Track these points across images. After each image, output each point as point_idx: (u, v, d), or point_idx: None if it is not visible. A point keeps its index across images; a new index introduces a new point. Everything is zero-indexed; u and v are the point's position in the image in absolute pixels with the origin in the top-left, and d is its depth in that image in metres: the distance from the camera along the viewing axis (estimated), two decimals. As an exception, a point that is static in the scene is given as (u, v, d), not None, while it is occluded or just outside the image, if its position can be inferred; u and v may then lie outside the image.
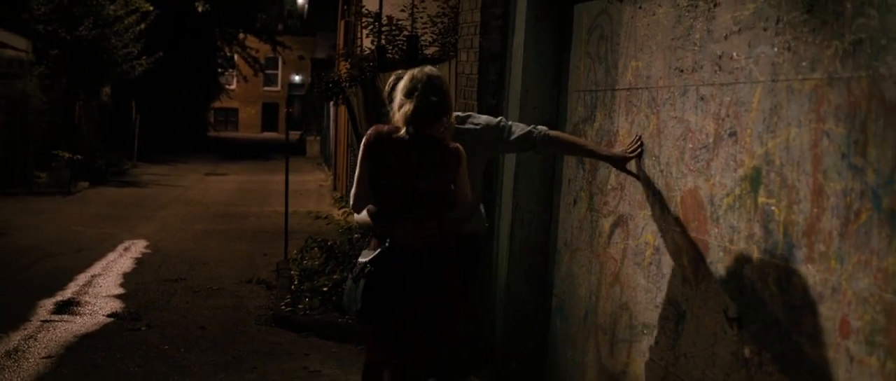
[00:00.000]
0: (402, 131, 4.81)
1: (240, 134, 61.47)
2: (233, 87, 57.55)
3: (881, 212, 3.23)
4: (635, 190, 5.34)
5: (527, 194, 6.76)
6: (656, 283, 5.03)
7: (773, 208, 3.93)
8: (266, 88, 64.14)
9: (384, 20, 12.97)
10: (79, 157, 21.96)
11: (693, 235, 4.65)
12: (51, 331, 8.76)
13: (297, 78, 63.75)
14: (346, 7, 21.40)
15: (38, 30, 22.77)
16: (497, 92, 7.20)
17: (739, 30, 4.28)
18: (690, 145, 4.69)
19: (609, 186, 5.70)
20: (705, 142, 4.55)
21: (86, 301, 10.12)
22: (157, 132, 36.62)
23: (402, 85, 4.92)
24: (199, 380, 7.51)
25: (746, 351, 4.12)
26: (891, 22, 3.21)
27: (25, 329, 8.78)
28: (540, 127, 5.45)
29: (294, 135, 46.15)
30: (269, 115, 65.31)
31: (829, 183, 3.54)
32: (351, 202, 5.03)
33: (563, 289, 6.39)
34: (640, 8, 5.39)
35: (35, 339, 8.44)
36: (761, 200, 4.03)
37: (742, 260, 4.18)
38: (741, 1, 4.28)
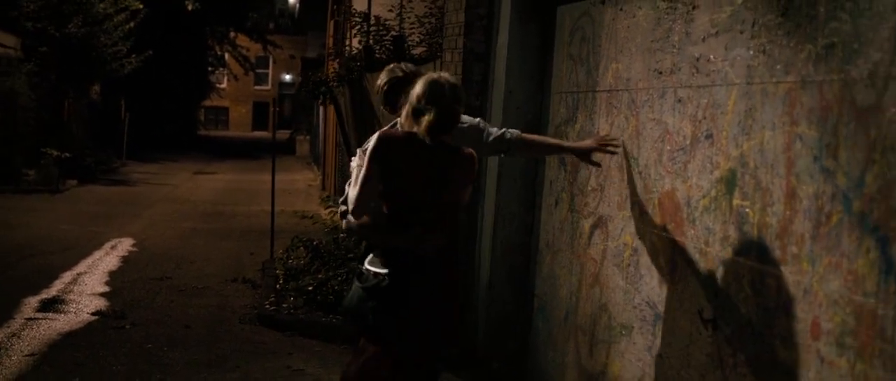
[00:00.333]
0: (424, 139, 4.61)
1: (230, 133, 61.42)
2: (223, 86, 57.52)
3: (851, 215, 3.26)
4: (614, 192, 5.36)
5: (509, 196, 6.78)
6: (634, 284, 5.05)
7: (747, 210, 3.96)
8: (257, 87, 64.11)
9: (372, 20, 12.99)
10: (67, 155, 21.93)
11: (670, 236, 4.67)
12: (35, 329, 8.75)
13: (287, 77, 63.74)
14: (335, 7, 21.41)
15: (26, 27, 22.74)
16: (481, 93, 7.22)
17: (717, 32, 4.30)
18: (668, 147, 4.72)
19: (589, 188, 5.72)
20: (683, 144, 4.57)
21: (71, 299, 10.11)
22: (147, 130, 36.58)
23: (421, 90, 4.64)
24: (182, 379, 7.50)
25: (721, 352, 4.14)
26: (862, 26, 3.23)
27: (9, 327, 8.76)
28: (512, 130, 5.40)
29: (283, 134, 46.16)
30: (259, 114, 65.24)
31: (801, 186, 3.57)
32: (351, 206, 4.77)
33: (545, 290, 6.41)
34: (620, 10, 5.42)
35: (18, 337, 8.43)
36: (736, 202, 4.05)
37: (717, 262, 4.20)
38: (719, 4, 4.31)
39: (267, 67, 63.90)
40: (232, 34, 47.96)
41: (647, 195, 4.95)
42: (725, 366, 4.10)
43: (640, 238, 5.02)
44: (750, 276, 3.92)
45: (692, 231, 4.44)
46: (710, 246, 4.27)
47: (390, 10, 12.51)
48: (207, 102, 54.37)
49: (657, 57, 4.90)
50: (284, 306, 9.68)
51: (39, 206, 18.54)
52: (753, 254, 3.90)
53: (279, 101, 60.42)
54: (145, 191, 22.63)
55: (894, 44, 3.05)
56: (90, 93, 28.55)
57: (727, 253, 4.12)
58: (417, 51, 10.99)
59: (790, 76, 3.67)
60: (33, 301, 9.90)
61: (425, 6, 11.22)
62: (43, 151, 21.64)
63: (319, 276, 10.11)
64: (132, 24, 25.35)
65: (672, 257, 4.64)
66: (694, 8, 4.53)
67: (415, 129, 4.64)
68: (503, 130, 5.38)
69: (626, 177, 5.21)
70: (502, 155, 5.54)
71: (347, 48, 15.94)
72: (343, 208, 5.16)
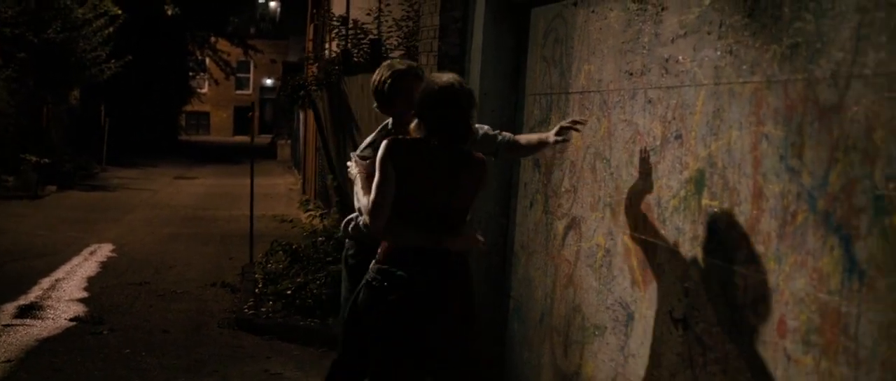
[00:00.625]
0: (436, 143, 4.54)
1: (212, 138, 61.17)
2: (204, 90, 57.30)
3: (816, 213, 3.28)
4: (587, 193, 5.39)
5: (485, 197, 6.78)
6: (607, 285, 5.07)
7: (715, 209, 3.98)
8: (238, 92, 63.88)
9: (350, 24, 12.99)
10: (46, 161, 21.84)
11: (641, 236, 4.69)
12: (11, 335, 8.73)
13: (268, 82, 63.53)
14: (314, 11, 21.41)
15: (4, 33, 22.63)
16: (455, 95, 7.23)
17: (685, 34, 4.33)
18: (639, 148, 4.74)
19: (563, 189, 5.74)
20: (653, 144, 4.59)
21: (48, 305, 10.08)
22: (128, 136, 36.43)
23: (440, 96, 4.53)
24: (159, 384, 7.52)
25: (691, 352, 4.17)
26: (825, 26, 3.26)
27: (-14, 333, 8.76)
28: (506, 133, 5.34)
29: (265, 139, 46.07)
30: (241, 119, 64.92)
31: (767, 185, 3.59)
32: (369, 213, 4.56)
33: (520, 291, 6.43)
34: (593, 12, 5.44)
35: (-5, 343, 8.43)
36: (705, 201, 4.08)
37: (687, 261, 4.23)
38: (687, 5, 4.33)
39: (248, 72, 63.71)
40: (212, 39, 47.81)
41: (618, 196, 4.97)
42: (695, 365, 4.12)
43: (612, 239, 5.04)
44: (719, 275, 3.95)
45: (663, 231, 4.47)
46: (680, 246, 4.29)
47: (368, 14, 12.52)
48: (188, 107, 54.12)
49: (628, 58, 4.93)
50: (263, 310, 9.68)
51: (18, 212, 18.47)
52: (722, 253, 3.92)
53: (260, 105, 60.43)
54: (125, 196, 22.56)
55: (856, 43, 3.08)
56: (69, 98, 28.43)
57: (696, 253, 4.14)
58: (395, 54, 11.00)
59: (756, 76, 3.70)
60: (10, 308, 9.87)
61: (403, 10, 11.23)
62: (22, 158, 21.55)
63: (298, 280, 10.11)
64: (111, 30, 25.24)
65: (643, 258, 4.67)
66: (663, 9, 4.56)
67: (420, 134, 4.58)
68: (496, 131, 5.33)
69: (598, 178, 5.23)
70: (493, 158, 5.38)
71: (327, 52, 15.93)
72: (361, 218, 5.00)
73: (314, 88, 14.50)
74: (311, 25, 22.22)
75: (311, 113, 18.35)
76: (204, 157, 39.68)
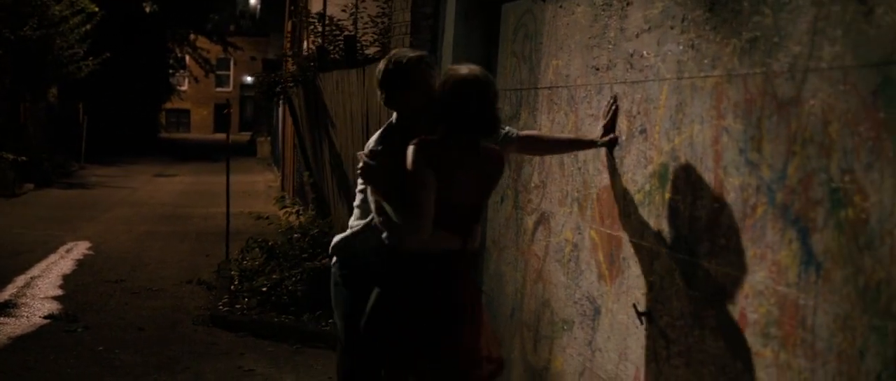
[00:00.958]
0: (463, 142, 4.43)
1: (192, 135, 61.12)
2: (184, 88, 57.19)
3: (775, 207, 3.30)
4: (556, 188, 5.40)
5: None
6: (575, 280, 5.08)
7: (679, 203, 3.99)
8: (218, 90, 63.77)
9: (326, 21, 12.98)
10: (23, 158, 21.73)
11: (608, 231, 4.71)
12: (-16, 333, 8.72)
13: (248, 79, 63.22)
14: (292, 8, 21.37)
15: (-20, 30, 22.58)
16: (427, 91, 7.24)
17: (649, 28, 4.34)
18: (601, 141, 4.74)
19: (532, 185, 5.75)
20: (619, 139, 4.61)
21: (22, 303, 10.06)
22: (107, 134, 36.32)
23: (470, 88, 4.37)
24: (133, 380, 7.49)
25: (655, 345, 4.18)
26: (782, 20, 3.27)
27: (-41, 332, 8.73)
28: (510, 128, 5.10)
29: (244, 136, 46.01)
30: (221, 116, 64.85)
31: (728, 179, 3.61)
32: (413, 225, 4.33)
33: (492, 287, 6.44)
34: (560, 7, 5.45)
35: (-32, 341, 8.41)
36: (668, 196, 4.09)
37: (651, 255, 4.24)
38: (651, 0, 4.34)
39: (228, 69, 63.61)
40: (192, 36, 47.74)
41: (586, 191, 4.98)
42: (660, 359, 4.13)
43: (580, 234, 5.05)
44: (681, 269, 3.96)
45: (628, 226, 4.48)
46: (645, 240, 4.30)
47: (344, 10, 12.50)
48: (168, 105, 54.10)
49: (594, 53, 4.93)
50: (238, 307, 9.68)
51: (-6, 210, 18.42)
52: (685, 247, 3.94)
53: (241, 102, 60.33)
54: (103, 194, 22.49)
55: (812, 37, 3.10)
56: (48, 96, 28.31)
57: (660, 247, 4.16)
58: (371, 51, 11.00)
59: (717, 70, 3.71)
60: (-16, 306, 9.85)
61: (378, 6, 11.23)
62: (-2, 155, 21.49)
63: (274, 276, 10.11)
64: (88, 27, 25.13)
65: (610, 252, 4.68)
66: (628, 4, 4.57)
67: (442, 130, 4.43)
68: (506, 128, 5.06)
69: (566, 173, 5.24)
70: None
71: (306, 49, 15.91)
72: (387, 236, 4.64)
73: (290, 84, 14.48)
74: (290, 22, 22.18)
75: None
76: (184, 154, 39.63)
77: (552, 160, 5.40)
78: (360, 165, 4.58)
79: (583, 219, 5.01)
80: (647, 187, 4.29)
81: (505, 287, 6.18)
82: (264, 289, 9.82)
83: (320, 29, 13.37)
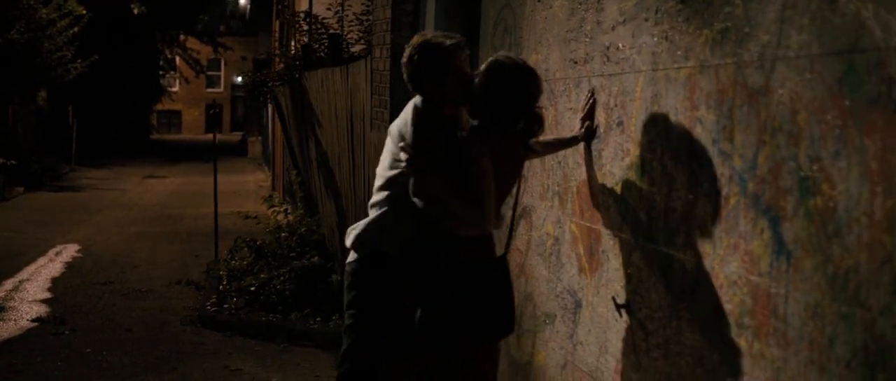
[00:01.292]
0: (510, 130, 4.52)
1: (183, 136, 61.02)
2: (175, 89, 57.12)
3: (747, 196, 3.30)
4: (537, 182, 5.40)
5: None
6: (556, 273, 5.09)
7: (655, 195, 4.00)
8: (209, 90, 63.66)
9: (312, 19, 12.96)
10: (13, 162, 21.69)
11: (587, 224, 4.71)
12: (-29, 337, 8.71)
13: (239, 79, 63.32)
14: (279, 7, 21.35)
15: (-33, 34, 22.52)
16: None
17: (624, 21, 4.34)
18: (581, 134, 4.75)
19: (513, 179, 5.74)
20: (597, 132, 4.61)
21: (10, 307, 10.05)
22: (97, 136, 36.29)
23: (522, 79, 4.46)
24: (120, 381, 7.50)
25: (634, 337, 4.18)
26: (752, 10, 3.27)
27: (-55, 336, 8.72)
28: None
29: (236, 136, 45.94)
30: (214, 116, 64.80)
31: (702, 169, 3.61)
32: (481, 217, 4.40)
33: (476, 282, 6.42)
34: (539, 1, 5.45)
35: (-46, 345, 8.39)
36: (645, 187, 4.09)
37: (630, 248, 4.24)
38: (626, -8, 4.35)
39: (219, 70, 63.49)
40: (182, 37, 47.67)
41: (566, 184, 4.98)
42: (639, 351, 4.14)
43: (560, 227, 5.06)
44: (659, 260, 3.96)
45: (607, 218, 4.48)
46: (623, 232, 4.31)
47: (329, 9, 12.48)
48: (159, 106, 54.00)
49: (572, 47, 4.93)
50: (226, 306, 9.68)
51: (-16, 214, 18.38)
52: (661, 239, 3.94)
53: (232, 102, 60.24)
54: (94, 196, 22.45)
55: (780, 26, 3.10)
56: (37, 99, 28.27)
57: (638, 239, 4.16)
58: (356, 48, 10.98)
59: (690, 61, 3.71)
60: (-29, 310, 9.84)
61: (362, 4, 11.22)
62: (-12, 159, 21.43)
63: (262, 276, 10.12)
64: (76, 30, 25.07)
65: (589, 245, 4.69)
66: (604, -3, 4.57)
67: (484, 117, 4.51)
68: None
69: (546, 167, 5.25)
70: None
71: (294, 49, 15.90)
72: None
73: (277, 84, 14.46)
74: (277, 21, 22.17)
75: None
76: (175, 155, 39.57)
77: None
78: (406, 158, 4.47)
79: (563, 212, 5.01)
80: (625, 180, 4.29)
81: (489, 282, 6.17)
82: (252, 288, 9.82)
83: (306, 28, 13.35)
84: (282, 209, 13.22)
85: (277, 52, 18.49)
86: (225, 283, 10.56)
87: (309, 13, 13.53)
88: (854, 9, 2.74)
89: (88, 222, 17.41)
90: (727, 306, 3.42)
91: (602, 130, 4.55)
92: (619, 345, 4.33)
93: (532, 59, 5.48)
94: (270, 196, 15.48)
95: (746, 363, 3.30)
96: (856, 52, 2.73)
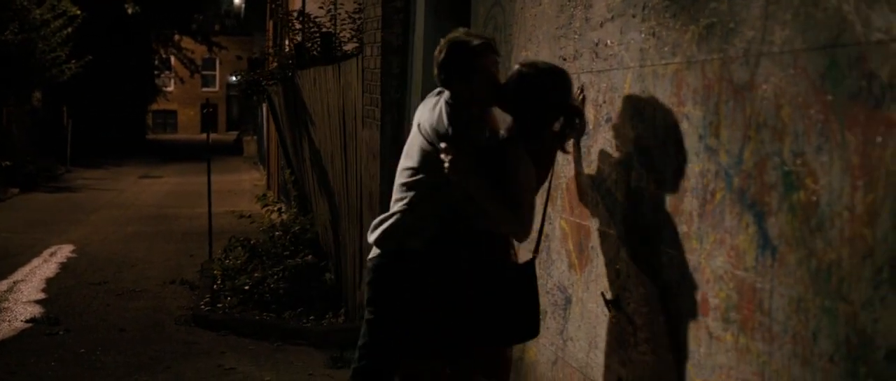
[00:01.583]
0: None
1: (179, 136, 60.96)
2: (170, 89, 57.06)
3: (732, 192, 3.31)
4: (527, 178, 5.40)
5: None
6: (547, 270, 5.10)
7: (643, 191, 4.01)
8: (204, 90, 63.55)
9: (305, 18, 12.97)
10: (8, 163, 21.70)
11: (577, 220, 4.72)
12: (-35, 339, 8.71)
13: (234, 78, 63.30)
14: (273, 6, 21.37)
15: (-39, 35, 22.51)
16: (400, 86, 7.24)
17: (612, 17, 4.35)
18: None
19: (504, 176, 5.75)
20: (586, 129, 4.61)
21: (5, 308, 10.05)
22: (93, 136, 36.23)
23: (564, 81, 4.43)
24: (114, 381, 7.51)
25: (623, 332, 4.20)
26: (737, 5, 3.28)
27: (-61, 337, 8.72)
28: None
29: (231, 135, 45.93)
30: (208, 116, 64.72)
31: (689, 165, 3.62)
32: (529, 226, 4.44)
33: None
34: (528, -2, 5.46)
35: (-52, 346, 8.39)
36: (633, 183, 4.10)
37: (618, 244, 4.25)
38: (613, -11, 4.36)
39: (214, 69, 63.44)
40: (176, 37, 47.64)
41: (555, 181, 4.99)
42: (627, 346, 4.15)
43: (550, 223, 5.06)
44: (647, 256, 3.98)
45: (596, 214, 4.49)
46: (612, 228, 4.32)
47: (321, 7, 12.49)
48: (155, 106, 54.00)
49: (561, 43, 4.94)
50: (219, 306, 9.70)
51: (-21, 215, 18.37)
52: (649, 234, 3.95)
53: (227, 102, 60.19)
54: (89, 197, 22.44)
55: (764, 22, 3.11)
56: (32, 100, 28.26)
57: (627, 234, 4.17)
58: (348, 47, 10.99)
59: (677, 57, 3.73)
60: (-34, 311, 9.84)
61: (355, 2, 11.24)
62: (-17, 161, 21.41)
63: (256, 275, 10.13)
64: (69, 30, 25.06)
65: (579, 241, 4.70)
66: (592, -6, 4.58)
67: (523, 121, 4.47)
68: None
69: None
70: None
71: (287, 47, 15.90)
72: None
73: (270, 83, 14.48)
74: (271, 21, 22.18)
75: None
76: (171, 155, 39.57)
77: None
78: (449, 158, 4.39)
79: (553, 208, 5.02)
80: (614, 176, 4.30)
81: (480, 279, 6.18)
82: (246, 287, 9.83)
83: (299, 26, 13.36)
84: (276, 208, 13.22)
85: (271, 51, 18.51)
86: (219, 282, 10.57)
87: (302, 12, 13.55)
88: (836, 4, 2.75)
89: (83, 223, 17.41)
90: (714, 301, 3.44)
91: (591, 127, 4.56)
92: (608, 340, 4.34)
93: (522, 57, 5.49)
94: (265, 195, 15.47)
95: (732, 356, 3.31)
96: (838, 47, 2.74)
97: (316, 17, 12.27)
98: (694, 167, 3.59)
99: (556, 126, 4.54)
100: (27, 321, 9.45)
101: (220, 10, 61.93)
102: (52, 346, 8.53)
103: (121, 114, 41.66)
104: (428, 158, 4.58)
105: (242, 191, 22.94)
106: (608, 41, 4.39)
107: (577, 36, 4.76)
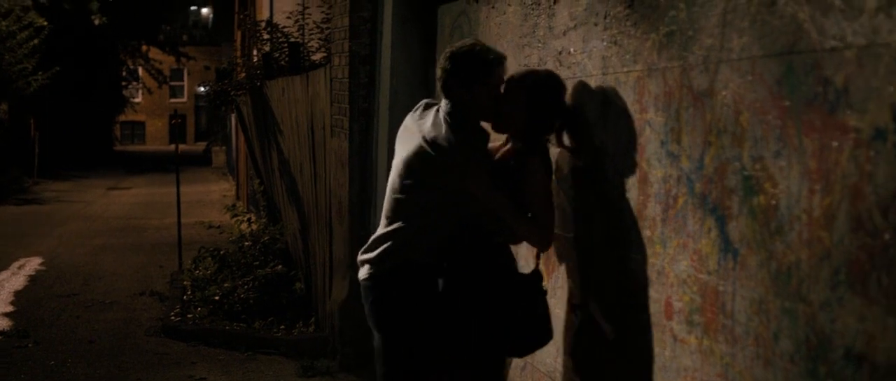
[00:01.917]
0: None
1: (147, 147, 60.79)
2: (138, 100, 56.85)
3: (694, 197, 3.37)
4: (494, 186, 5.44)
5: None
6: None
7: (608, 197, 4.06)
8: (173, 100, 63.38)
9: (272, 28, 12.97)
10: (-26, 176, 21.56)
11: (543, 227, 4.76)
12: (-68, 353, 8.66)
13: (202, 89, 63.19)
14: (241, 16, 21.35)
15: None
16: (368, 95, 7.28)
17: (575, 26, 4.40)
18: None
19: (471, 183, 5.79)
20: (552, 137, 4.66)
21: (-27, 321, 10.01)
22: (60, 148, 36.04)
23: (562, 87, 4.37)
24: (83, 393, 7.50)
25: (590, 338, 4.25)
26: (695, 13, 3.34)
27: None
28: None
29: (200, 145, 45.76)
30: (176, 126, 64.48)
31: (651, 171, 3.68)
32: (549, 238, 4.39)
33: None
34: (493, 7, 5.51)
35: (-85, 361, 8.35)
36: (598, 190, 4.15)
37: (586, 250, 4.30)
38: (576, -3, 4.41)
39: (182, 80, 63.27)
40: (144, 48, 47.44)
41: (522, 188, 5.03)
42: (594, 350, 4.20)
43: (517, 230, 5.10)
44: (613, 261, 4.03)
45: (562, 221, 4.53)
46: (579, 234, 4.36)
47: (289, 18, 12.50)
48: (123, 117, 53.79)
49: (525, 52, 4.99)
50: (189, 316, 9.68)
51: (-54, 229, 18.24)
52: (615, 240, 4.00)
53: (196, 112, 60.01)
54: (57, 209, 22.32)
55: (722, 29, 3.17)
56: (-2, 112, 28.12)
57: (594, 241, 4.22)
58: (316, 56, 11.01)
59: (638, 65, 3.78)
60: (-67, 325, 9.78)
61: (322, 12, 11.26)
62: (-52, 174, 21.26)
63: (226, 285, 10.11)
64: (36, 41, 24.94)
65: (550, 249, 4.73)
66: (555, 2, 4.63)
67: (529, 130, 4.38)
68: None
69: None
70: None
71: (256, 58, 15.89)
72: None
73: (239, 93, 14.46)
74: (239, 31, 22.15)
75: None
76: (139, 166, 39.39)
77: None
78: (471, 180, 4.33)
79: (520, 216, 5.06)
80: (579, 183, 4.35)
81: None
82: (216, 298, 9.82)
83: (267, 36, 13.37)
84: (245, 218, 13.20)
85: (239, 61, 18.48)
86: (189, 293, 10.56)
87: (270, 22, 13.55)
88: (792, 11, 2.81)
89: (52, 235, 17.32)
90: (678, 305, 3.49)
91: (555, 134, 4.60)
92: (576, 346, 4.39)
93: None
94: (234, 205, 15.43)
95: (696, 359, 3.37)
96: (794, 53, 2.80)
97: (284, 27, 12.27)
98: (657, 173, 3.64)
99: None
100: (-5, 335, 9.42)
101: (187, 20, 61.79)
102: (21, 359, 8.50)
103: (88, 125, 41.46)
104: (427, 172, 4.46)
105: (212, 201, 22.88)
106: (571, 49, 4.44)
107: (540, 44, 4.81)
